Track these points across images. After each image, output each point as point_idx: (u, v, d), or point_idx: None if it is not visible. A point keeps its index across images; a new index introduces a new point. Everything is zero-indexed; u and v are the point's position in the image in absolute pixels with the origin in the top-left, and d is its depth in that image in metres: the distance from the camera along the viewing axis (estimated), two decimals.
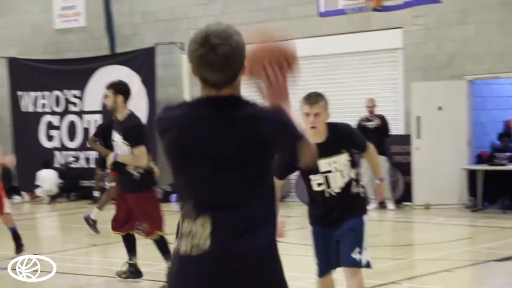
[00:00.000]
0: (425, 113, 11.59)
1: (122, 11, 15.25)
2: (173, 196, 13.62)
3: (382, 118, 11.58)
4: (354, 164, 4.60)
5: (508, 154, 11.46)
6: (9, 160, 8.18)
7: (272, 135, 2.35)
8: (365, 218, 4.62)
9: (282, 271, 2.40)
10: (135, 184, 6.37)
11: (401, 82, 12.29)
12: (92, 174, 14.41)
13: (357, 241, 4.51)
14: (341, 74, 12.85)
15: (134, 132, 6.36)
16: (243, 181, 2.35)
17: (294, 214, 11.73)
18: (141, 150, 6.27)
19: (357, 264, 4.48)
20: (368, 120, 11.60)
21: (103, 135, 8.59)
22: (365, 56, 12.62)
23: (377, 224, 10.14)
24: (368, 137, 11.67)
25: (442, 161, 11.42)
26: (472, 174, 11.29)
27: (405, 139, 11.73)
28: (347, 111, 11.71)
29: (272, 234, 2.38)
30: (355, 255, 4.48)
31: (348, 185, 4.57)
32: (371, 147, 4.74)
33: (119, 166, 6.45)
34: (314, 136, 4.36)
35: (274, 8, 13.52)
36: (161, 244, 6.38)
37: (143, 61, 14.43)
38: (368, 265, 4.56)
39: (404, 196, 11.84)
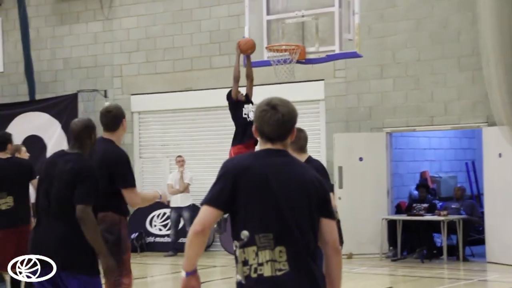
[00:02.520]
0: (347, 164, 11.89)
1: (43, 57, 15.03)
2: None
3: None
4: None
5: (425, 205, 11.86)
6: None
7: (320, 200, 3.14)
8: None
9: None
10: None
11: (323, 133, 12.59)
12: None
13: None
14: None
15: None
16: (306, 218, 3.08)
17: (219, 263, 11.70)
18: None
19: None
20: None
21: None
22: None
23: None
24: None
25: (363, 211, 11.70)
26: (391, 224, 11.60)
27: None
28: None
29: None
30: None
31: None
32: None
33: None
34: None
35: (198, 58, 13.67)
36: None
37: (64, 108, 14.21)
38: None
39: None
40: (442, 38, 11.68)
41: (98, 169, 4.93)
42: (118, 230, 5.26)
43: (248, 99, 8.10)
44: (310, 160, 5.37)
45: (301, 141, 5.31)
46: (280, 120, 3.09)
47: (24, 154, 8.32)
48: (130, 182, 5.21)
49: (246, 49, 8.21)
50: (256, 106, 3.17)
